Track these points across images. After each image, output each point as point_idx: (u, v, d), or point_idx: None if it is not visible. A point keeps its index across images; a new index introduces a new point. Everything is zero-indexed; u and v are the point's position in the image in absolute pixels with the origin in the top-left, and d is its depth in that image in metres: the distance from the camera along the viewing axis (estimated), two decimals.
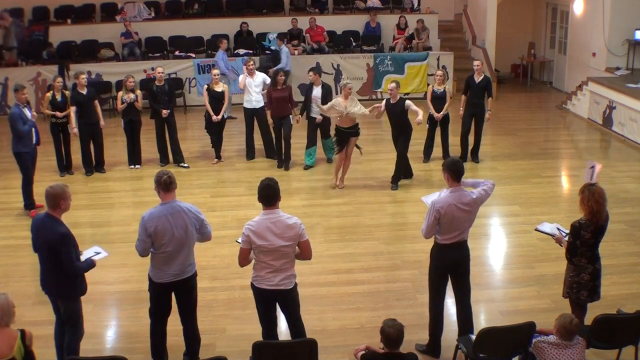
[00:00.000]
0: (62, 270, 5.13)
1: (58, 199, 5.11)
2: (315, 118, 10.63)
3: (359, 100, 10.17)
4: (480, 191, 5.55)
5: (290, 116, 10.96)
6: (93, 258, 5.42)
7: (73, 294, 5.31)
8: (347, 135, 9.69)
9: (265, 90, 11.24)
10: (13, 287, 7.10)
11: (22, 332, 4.39)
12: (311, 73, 10.72)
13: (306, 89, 11.01)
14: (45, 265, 5.23)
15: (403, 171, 10.09)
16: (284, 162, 11.03)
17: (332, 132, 10.15)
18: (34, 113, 9.27)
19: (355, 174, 10.55)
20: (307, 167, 11.05)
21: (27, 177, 9.18)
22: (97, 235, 8.39)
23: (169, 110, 10.92)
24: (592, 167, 5.79)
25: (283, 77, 10.93)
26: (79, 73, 10.83)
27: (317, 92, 10.56)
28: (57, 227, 5.09)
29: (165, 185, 5.18)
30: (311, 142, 10.99)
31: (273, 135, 11.26)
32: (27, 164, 9.11)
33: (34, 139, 9.19)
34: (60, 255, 5.05)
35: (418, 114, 9.37)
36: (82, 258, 5.34)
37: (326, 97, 10.47)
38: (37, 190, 9.57)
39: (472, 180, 5.86)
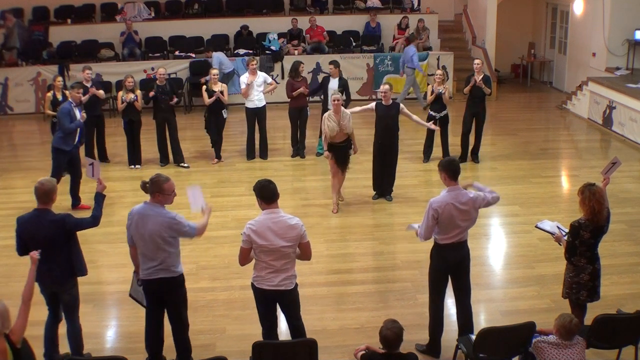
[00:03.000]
0: (63, 256, 5.29)
1: (51, 194, 5.28)
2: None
3: (359, 100, 10.17)
4: (479, 194, 5.54)
5: (307, 108, 11.38)
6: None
7: (76, 276, 5.45)
8: (343, 150, 8.98)
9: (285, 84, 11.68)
10: (13, 287, 7.09)
11: (7, 337, 4.31)
12: (331, 66, 11.12)
13: (322, 81, 11.30)
14: (44, 258, 5.18)
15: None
16: (300, 150, 11.50)
17: (327, 152, 9.07)
18: (84, 114, 9.26)
19: (354, 174, 10.55)
20: (318, 154, 11.46)
21: (56, 176, 9.09)
22: (97, 235, 8.38)
23: (177, 99, 11.17)
24: (615, 162, 5.82)
25: (304, 68, 11.30)
26: (84, 68, 11.06)
27: (333, 84, 10.91)
28: (52, 216, 5.27)
29: (144, 190, 5.29)
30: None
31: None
32: (60, 163, 9.07)
33: (76, 139, 9.20)
34: (70, 235, 5.29)
35: (413, 117, 9.28)
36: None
37: (343, 89, 10.68)
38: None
39: (480, 186, 5.77)
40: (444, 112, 10.89)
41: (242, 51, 15.56)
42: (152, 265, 5.24)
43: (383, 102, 9.22)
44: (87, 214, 8.82)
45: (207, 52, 14.82)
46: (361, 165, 10.88)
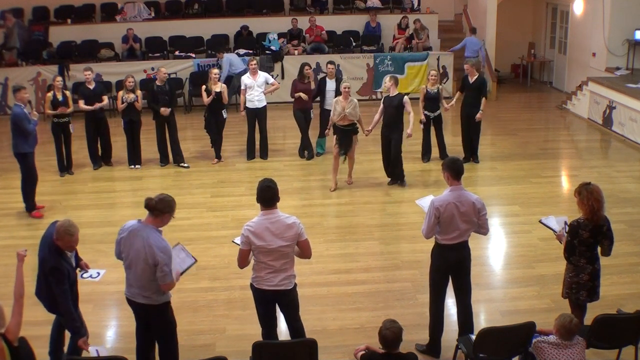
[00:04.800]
0: (47, 288, 5.07)
1: (56, 236, 4.97)
2: (329, 110, 10.67)
3: (359, 100, 10.19)
4: (482, 217, 5.51)
5: (311, 110, 11.33)
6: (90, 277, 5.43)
7: (57, 314, 5.27)
8: (347, 132, 9.64)
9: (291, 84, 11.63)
10: (13, 287, 7.09)
11: (4, 337, 4.30)
12: (331, 66, 11.13)
13: (319, 82, 11.25)
14: (40, 276, 5.17)
15: (402, 168, 10.07)
16: (308, 152, 11.51)
17: (328, 131, 10.31)
18: (34, 112, 9.21)
19: (355, 174, 10.55)
20: (318, 154, 11.55)
21: (31, 178, 9.09)
22: (97, 235, 8.39)
23: (169, 109, 10.91)
24: (566, 222, 5.79)
25: (310, 70, 11.22)
26: (85, 69, 10.98)
27: (330, 85, 10.96)
28: (53, 256, 4.99)
29: (147, 207, 4.97)
30: (322, 133, 11.36)
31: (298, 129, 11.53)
32: (30, 165, 9.00)
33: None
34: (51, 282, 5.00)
35: (410, 118, 9.69)
36: (87, 274, 5.46)
37: (339, 90, 10.72)
38: (38, 190, 9.56)
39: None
40: (437, 112, 10.85)
41: (242, 51, 15.55)
42: (136, 285, 5.06)
43: (390, 94, 9.77)
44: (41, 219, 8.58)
45: (218, 54, 14.84)
46: (361, 166, 10.89)
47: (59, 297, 4.99)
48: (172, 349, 5.33)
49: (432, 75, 10.82)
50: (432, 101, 10.79)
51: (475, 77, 10.76)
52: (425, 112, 10.90)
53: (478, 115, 10.77)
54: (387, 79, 9.91)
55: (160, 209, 4.96)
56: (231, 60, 14.44)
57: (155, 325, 5.24)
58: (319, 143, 11.64)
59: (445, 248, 5.54)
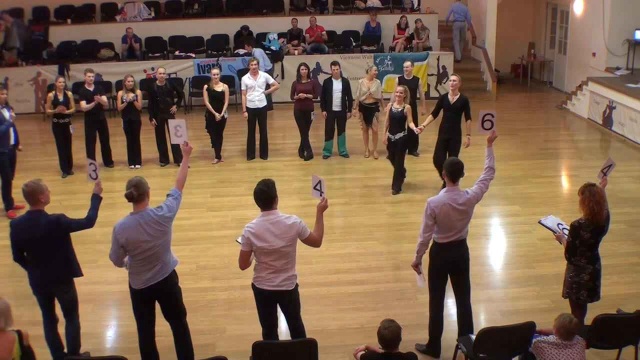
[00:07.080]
0: (59, 257, 5.26)
1: (36, 194, 5.19)
2: (337, 111, 11.08)
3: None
4: (476, 190, 5.59)
5: (312, 112, 11.28)
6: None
7: (73, 276, 5.43)
8: (370, 110, 10.90)
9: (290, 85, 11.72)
10: (13, 287, 7.11)
11: (19, 333, 4.37)
12: (335, 67, 11.11)
13: (324, 83, 11.25)
14: (40, 260, 5.24)
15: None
16: (308, 152, 11.50)
17: (354, 111, 11.21)
18: (13, 114, 9.15)
19: (355, 174, 10.56)
20: (325, 157, 11.49)
21: (5, 178, 9.07)
22: (98, 235, 8.38)
23: (175, 108, 11.06)
24: (611, 165, 5.91)
25: (306, 70, 11.23)
26: (86, 70, 10.86)
27: (337, 85, 11.00)
28: (47, 216, 5.22)
29: (131, 199, 5.05)
30: (329, 135, 11.40)
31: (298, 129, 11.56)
32: (4, 165, 8.98)
33: (12, 139, 9.09)
34: (65, 235, 5.27)
35: (422, 96, 11.08)
36: None
37: (346, 90, 10.99)
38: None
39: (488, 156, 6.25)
40: (399, 135, 9.40)
41: (242, 51, 15.55)
42: (158, 267, 5.14)
43: (405, 77, 10.85)
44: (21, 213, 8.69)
45: (247, 45, 14.86)
46: (361, 166, 10.90)
47: (90, 221, 5.45)
48: (186, 324, 5.47)
49: (398, 92, 9.38)
50: (395, 122, 9.33)
51: (457, 96, 9.12)
52: (388, 133, 9.51)
53: (466, 140, 9.20)
54: (409, 63, 10.93)
55: (141, 192, 5.05)
56: (258, 55, 14.49)
57: (169, 299, 5.32)
58: (326, 147, 11.51)
59: (443, 246, 5.55)
